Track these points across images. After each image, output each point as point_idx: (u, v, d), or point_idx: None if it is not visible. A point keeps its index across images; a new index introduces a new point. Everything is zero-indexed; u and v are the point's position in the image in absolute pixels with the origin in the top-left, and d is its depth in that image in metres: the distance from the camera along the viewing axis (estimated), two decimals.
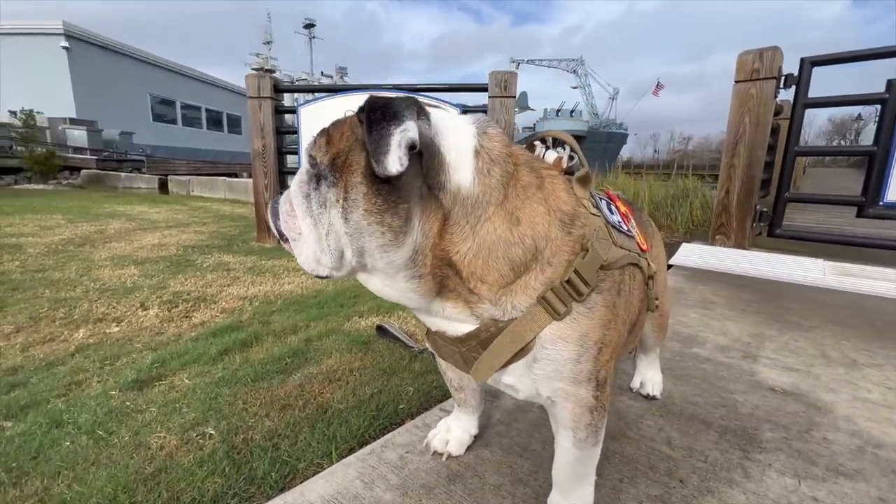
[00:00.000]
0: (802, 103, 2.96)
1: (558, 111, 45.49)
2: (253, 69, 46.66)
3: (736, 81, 3.07)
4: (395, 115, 0.48)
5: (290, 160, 3.95)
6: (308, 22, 48.57)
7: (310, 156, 0.56)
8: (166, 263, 3.08)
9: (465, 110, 3.52)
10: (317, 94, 3.78)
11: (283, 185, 3.95)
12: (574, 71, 50.00)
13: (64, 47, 13.92)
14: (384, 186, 0.51)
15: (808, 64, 2.89)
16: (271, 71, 45.99)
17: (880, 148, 2.70)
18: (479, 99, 3.53)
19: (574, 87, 50.75)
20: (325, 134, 0.57)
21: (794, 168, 3.37)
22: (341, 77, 49.15)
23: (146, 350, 1.61)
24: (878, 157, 2.72)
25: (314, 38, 48.27)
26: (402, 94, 0.51)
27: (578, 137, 40.80)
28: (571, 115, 45.18)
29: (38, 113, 11.49)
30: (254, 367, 1.35)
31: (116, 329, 1.90)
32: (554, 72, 53.27)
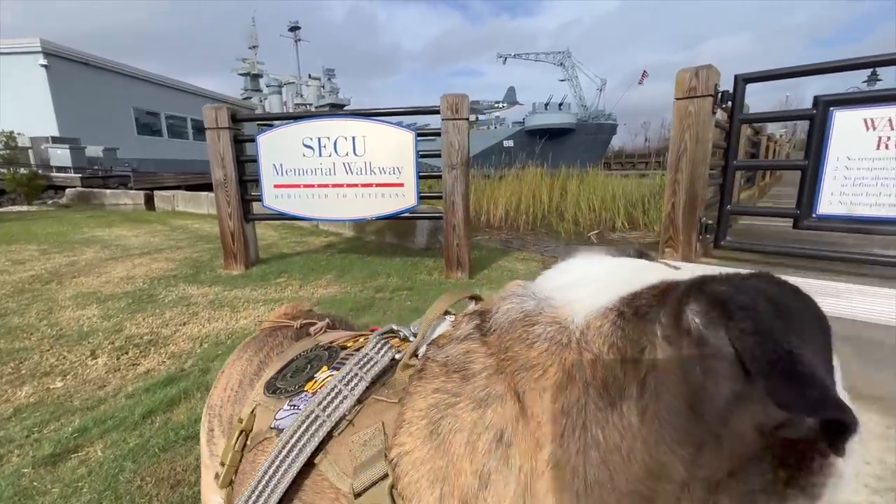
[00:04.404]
0: (738, 119, 3.03)
1: (546, 105, 45.41)
2: (240, 74, 46.50)
3: (676, 99, 3.14)
4: None
5: (253, 189, 4.03)
6: (293, 25, 48.29)
7: None
8: (128, 300, 3.15)
9: (422, 133, 3.58)
10: (274, 123, 3.83)
11: (247, 213, 4.02)
12: (561, 64, 49.87)
13: (42, 65, 13.87)
14: None
15: (742, 81, 2.96)
16: (258, 75, 45.82)
17: (810, 162, 2.78)
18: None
19: (562, 80, 50.63)
20: None
21: (735, 180, 3.45)
22: (329, 79, 48.97)
23: (78, 411, 1.69)
24: (808, 171, 2.80)
25: (300, 40, 48.03)
26: None
27: (567, 130, 40.85)
28: (560, 108, 45.10)
29: (18, 134, 11.49)
30: (167, 435, 1.42)
31: (60, 384, 1.98)
32: (543, 65, 53.16)
